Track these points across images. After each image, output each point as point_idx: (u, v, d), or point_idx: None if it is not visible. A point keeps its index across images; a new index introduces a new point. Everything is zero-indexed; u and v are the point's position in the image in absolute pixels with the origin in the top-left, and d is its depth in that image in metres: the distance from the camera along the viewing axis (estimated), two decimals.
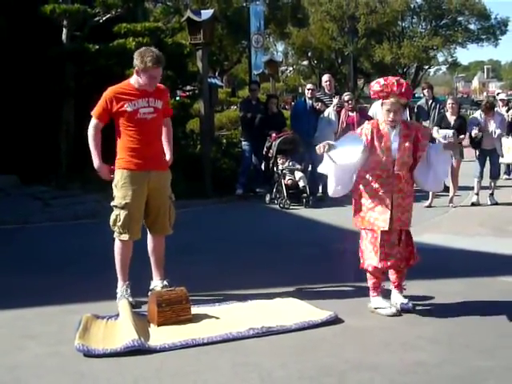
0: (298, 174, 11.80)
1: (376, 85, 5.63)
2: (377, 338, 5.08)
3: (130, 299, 5.83)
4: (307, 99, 12.52)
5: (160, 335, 5.07)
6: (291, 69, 54.60)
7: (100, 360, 4.65)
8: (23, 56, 13.06)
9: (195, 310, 5.56)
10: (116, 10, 13.42)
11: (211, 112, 15.53)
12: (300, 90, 45.10)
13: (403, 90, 5.51)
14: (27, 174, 12.55)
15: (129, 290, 5.94)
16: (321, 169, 5.91)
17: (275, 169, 11.98)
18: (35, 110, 13.04)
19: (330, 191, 5.85)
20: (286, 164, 11.90)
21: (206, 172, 12.69)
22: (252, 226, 10.14)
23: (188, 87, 16.32)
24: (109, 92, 5.88)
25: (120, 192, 5.85)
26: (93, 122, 5.93)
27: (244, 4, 36.86)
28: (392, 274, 5.75)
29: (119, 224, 5.83)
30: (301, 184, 11.72)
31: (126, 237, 5.84)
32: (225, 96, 32.48)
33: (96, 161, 5.90)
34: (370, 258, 5.60)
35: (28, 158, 12.95)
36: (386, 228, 5.49)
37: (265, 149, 12.14)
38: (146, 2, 23.84)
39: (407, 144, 5.52)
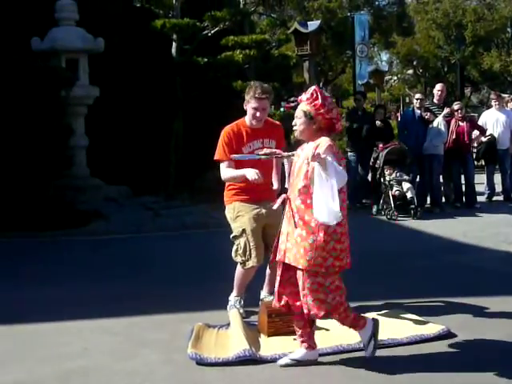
0: (406, 185, 11.64)
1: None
2: (491, 354, 4.94)
3: (241, 310, 5.89)
4: (415, 109, 12.34)
5: (270, 345, 5.10)
6: (396, 78, 53.92)
7: (212, 368, 4.71)
8: (135, 71, 13.46)
9: None
10: (224, 23, 13.65)
11: None
12: (407, 100, 44.45)
13: (307, 97, 4.76)
14: (138, 185, 12.91)
15: (242, 302, 6.01)
16: None
17: (382, 180, 11.85)
18: (146, 122, 13.41)
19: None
20: (394, 175, 11.75)
21: None
22: (358, 237, 9.94)
23: (292, 98, 16.40)
24: (228, 132, 5.87)
25: (236, 223, 5.91)
26: (223, 165, 5.84)
27: (349, 14, 36.72)
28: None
29: (240, 252, 5.86)
30: (408, 195, 11.55)
31: (249, 264, 5.84)
32: None
33: (242, 174, 5.61)
34: None
35: (139, 169, 13.33)
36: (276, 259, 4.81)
37: (372, 159, 12.03)
38: (253, 15, 24.10)
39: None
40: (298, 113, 4.79)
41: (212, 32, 13.71)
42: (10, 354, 5.19)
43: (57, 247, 9.59)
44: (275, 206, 5.01)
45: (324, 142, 4.61)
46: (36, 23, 12.48)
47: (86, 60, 12.66)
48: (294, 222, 4.68)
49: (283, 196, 4.87)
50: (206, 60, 13.19)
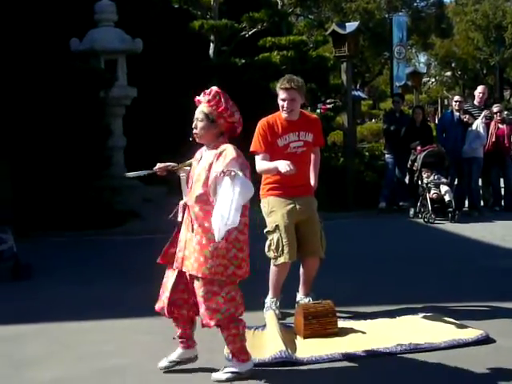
0: (444, 188, 11.53)
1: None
2: None
3: (277, 312, 5.88)
4: (454, 111, 12.23)
5: (307, 348, 5.08)
6: (433, 80, 53.54)
7: None
8: (172, 72, 13.53)
9: (341, 323, 5.54)
10: (262, 25, 13.65)
11: (354, 125, 15.49)
12: (445, 102, 44.10)
13: (209, 98, 4.62)
14: (175, 185, 12.94)
15: (278, 303, 6.00)
16: None
17: (420, 182, 11.77)
18: (183, 123, 13.45)
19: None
20: (431, 177, 11.66)
21: (348, 185, 12.66)
22: (395, 240, 10.00)
23: (329, 100, 16.35)
24: (263, 124, 5.85)
25: (270, 218, 5.90)
26: (258, 157, 5.81)
27: (386, 15, 36.56)
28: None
29: (273, 248, 5.84)
30: (446, 198, 11.44)
31: (281, 260, 5.82)
32: (366, 108, 32.36)
33: (274, 166, 5.49)
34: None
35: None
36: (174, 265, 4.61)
37: (409, 162, 11.95)
38: (290, 16, 24.09)
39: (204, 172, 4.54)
40: (199, 115, 4.59)
41: (250, 33, 13.73)
42: (47, 351, 5.25)
43: (95, 246, 9.67)
44: (171, 216, 4.76)
45: (229, 152, 4.37)
46: (75, 24, 12.61)
47: (125, 61, 12.77)
48: (193, 229, 4.51)
49: (181, 203, 4.70)
50: (243, 61, 13.21)
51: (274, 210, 5.86)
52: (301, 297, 6.11)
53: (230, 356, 4.63)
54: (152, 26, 13.62)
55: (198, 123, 4.59)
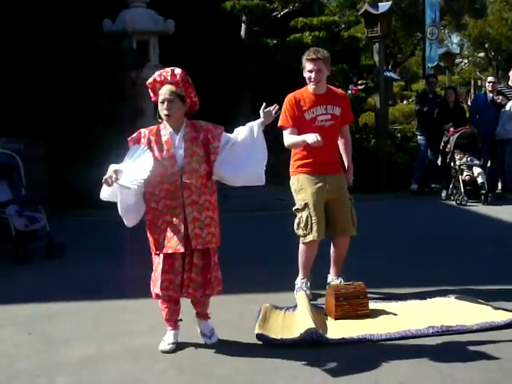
0: (477, 170, 11.42)
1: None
2: None
3: (308, 292, 5.87)
4: (488, 92, 12.09)
5: (338, 329, 5.08)
6: (466, 61, 52.88)
7: (279, 349, 4.72)
8: (204, 52, 13.51)
9: (372, 305, 5.53)
10: (294, 5, 13.56)
11: (386, 106, 15.36)
12: (479, 84, 43.56)
13: (178, 79, 4.67)
14: None
15: (308, 284, 6.00)
16: (103, 195, 4.73)
17: (452, 164, 11.67)
18: (214, 103, 13.45)
19: (126, 221, 4.80)
20: (464, 159, 11.55)
21: (380, 166, 12.59)
22: (428, 221, 9.93)
23: (360, 81, 16.23)
24: (290, 98, 5.85)
25: (299, 195, 5.89)
26: (285, 132, 5.82)
27: None
28: (192, 303, 4.96)
29: (302, 226, 5.83)
30: (479, 180, 11.33)
31: (309, 238, 5.82)
32: (398, 89, 32.05)
33: (302, 139, 5.59)
34: (155, 285, 4.72)
35: None
36: (181, 249, 4.60)
37: (442, 143, 11.84)
38: None
39: (195, 148, 4.66)
40: (170, 96, 4.62)
41: (281, 14, 13.65)
42: (78, 329, 5.32)
43: (128, 228, 9.71)
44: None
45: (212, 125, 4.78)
46: (107, 5, 12.62)
47: (157, 42, 12.77)
48: (200, 204, 4.64)
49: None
50: (274, 42, 13.14)
51: (304, 188, 5.85)
52: (332, 278, 6.10)
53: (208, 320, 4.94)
54: (184, 7, 13.59)
55: (171, 104, 4.63)
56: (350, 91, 17.13)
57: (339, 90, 6.26)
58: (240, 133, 4.79)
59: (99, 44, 11.37)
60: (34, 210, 8.02)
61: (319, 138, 5.37)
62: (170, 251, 4.61)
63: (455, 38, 52.03)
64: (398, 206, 11.43)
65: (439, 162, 12.38)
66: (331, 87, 6.08)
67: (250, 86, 13.42)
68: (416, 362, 4.47)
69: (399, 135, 14.97)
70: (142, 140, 4.73)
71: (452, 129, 11.66)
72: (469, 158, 11.57)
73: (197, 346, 4.81)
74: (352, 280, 5.64)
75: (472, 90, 38.66)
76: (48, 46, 11.33)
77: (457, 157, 11.59)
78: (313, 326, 4.90)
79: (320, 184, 5.83)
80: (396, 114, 23.92)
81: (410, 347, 4.76)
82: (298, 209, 5.89)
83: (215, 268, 4.76)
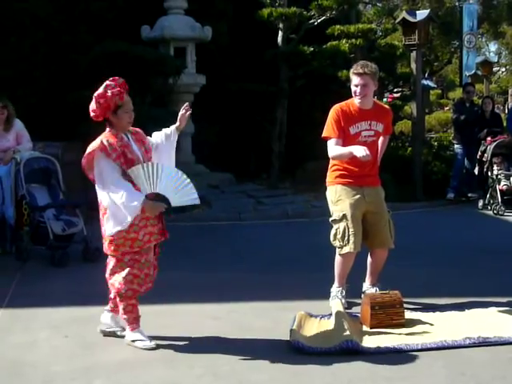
0: None
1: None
2: None
3: (343, 301, 5.85)
4: None
5: (373, 338, 5.06)
6: (504, 70, 52.35)
7: (313, 357, 4.70)
8: (241, 59, 13.57)
9: (409, 314, 5.49)
10: (331, 13, 13.53)
11: (423, 114, 15.26)
12: None
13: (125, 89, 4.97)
14: (241, 172, 13.03)
15: (344, 293, 5.96)
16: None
17: (489, 173, 11.55)
18: (251, 111, 13.49)
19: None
20: (502, 169, 11.44)
21: (416, 175, 12.50)
22: (464, 231, 9.84)
23: (395, 89, 16.16)
24: (337, 109, 5.79)
25: (336, 206, 5.85)
26: (331, 143, 5.77)
27: (457, 3, 35.86)
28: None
29: (339, 237, 5.79)
30: None
31: (346, 249, 5.77)
32: (434, 98, 31.84)
33: (349, 151, 5.58)
34: (134, 282, 4.92)
35: (242, 157, 13.45)
36: (162, 238, 5.06)
37: (479, 152, 11.74)
38: (359, 4, 23.85)
39: (143, 149, 5.15)
40: (131, 106, 4.96)
41: (318, 21, 13.64)
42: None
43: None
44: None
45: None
46: (146, 12, 12.74)
47: (194, 48, 12.86)
48: None
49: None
50: (311, 49, 13.13)
51: (342, 199, 5.82)
52: (367, 286, 6.07)
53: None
54: (221, 14, 13.67)
55: (132, 114, 4.98)
56: (385, 99, 17.10)
57: (385, 106, 6.22)
58: (157, 137, 5.31)
59: (140, 51, 11.45)
60: (71, 214, 8.10)
61: (368, 153, 5.36)
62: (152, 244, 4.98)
63: (493, 47, 51.57)
64: (434, 215, 11.34)
65: (476, 171, 12.27)
66: (377, 102, 6.07)
67: (287, 93, 13.42)
68: (452, 373, 4.43)
69: (436, 144, 14.86)
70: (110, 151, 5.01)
71: (489, 138, 11.56)
72: (506, 168, 11.45)
73: (233, 352, 4.81)
74: (388, 289, 5.61)
75: (509, 99, 38.25)
76: (86, 52, 11.46)
77: (494, 166, 11.48)
78: (349, 335, 4.88)
79: (358, 196, 5.80)
80: (432, 123, 23.76)
81: (445, 358, 4.71)
82: (335, 220, 5.85)
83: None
